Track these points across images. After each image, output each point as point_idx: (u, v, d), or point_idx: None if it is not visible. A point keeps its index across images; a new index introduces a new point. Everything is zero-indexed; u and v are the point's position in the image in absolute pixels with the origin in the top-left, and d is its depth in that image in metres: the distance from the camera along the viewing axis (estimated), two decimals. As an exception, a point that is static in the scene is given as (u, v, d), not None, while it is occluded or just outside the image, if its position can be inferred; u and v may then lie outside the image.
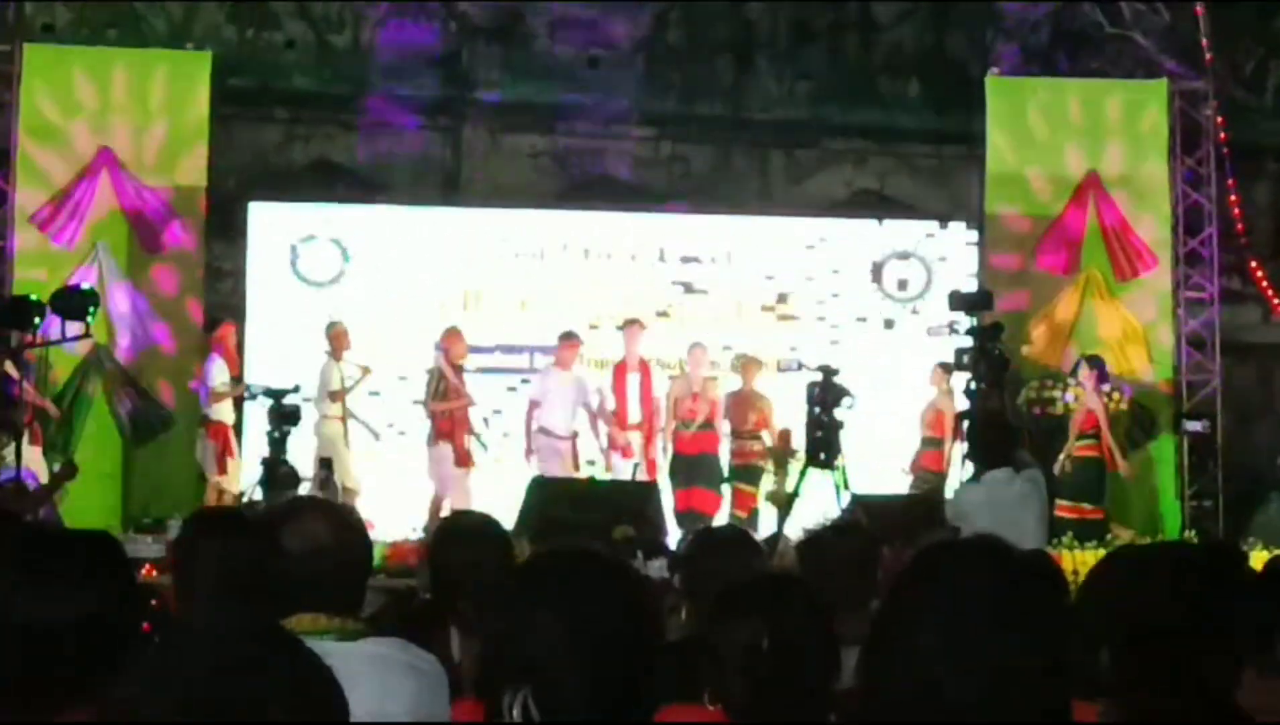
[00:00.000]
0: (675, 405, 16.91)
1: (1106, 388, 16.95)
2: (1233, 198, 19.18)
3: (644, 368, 17.22)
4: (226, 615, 2.54)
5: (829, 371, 14.96)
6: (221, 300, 18.13)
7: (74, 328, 14.15)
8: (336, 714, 2.37)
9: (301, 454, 15.52)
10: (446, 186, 20.40)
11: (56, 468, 14.44)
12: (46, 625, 3.09)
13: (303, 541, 3.75)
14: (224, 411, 16.31)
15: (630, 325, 17.33)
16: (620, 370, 17.21)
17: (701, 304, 18.56)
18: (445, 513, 14.79)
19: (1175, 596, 2.89)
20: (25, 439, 13.71)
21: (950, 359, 16.04)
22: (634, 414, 17.08)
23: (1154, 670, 2.81)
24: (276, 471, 14.87)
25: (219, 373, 16.28)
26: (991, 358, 15.30)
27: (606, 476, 16.83)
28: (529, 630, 2.57)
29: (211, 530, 4.68)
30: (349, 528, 3.85)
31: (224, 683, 2.14)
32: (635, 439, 17.06)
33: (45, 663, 3.09)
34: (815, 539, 5.72)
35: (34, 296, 13.75)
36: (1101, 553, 14.11)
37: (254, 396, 15.92)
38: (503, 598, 2.66)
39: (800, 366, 15.42)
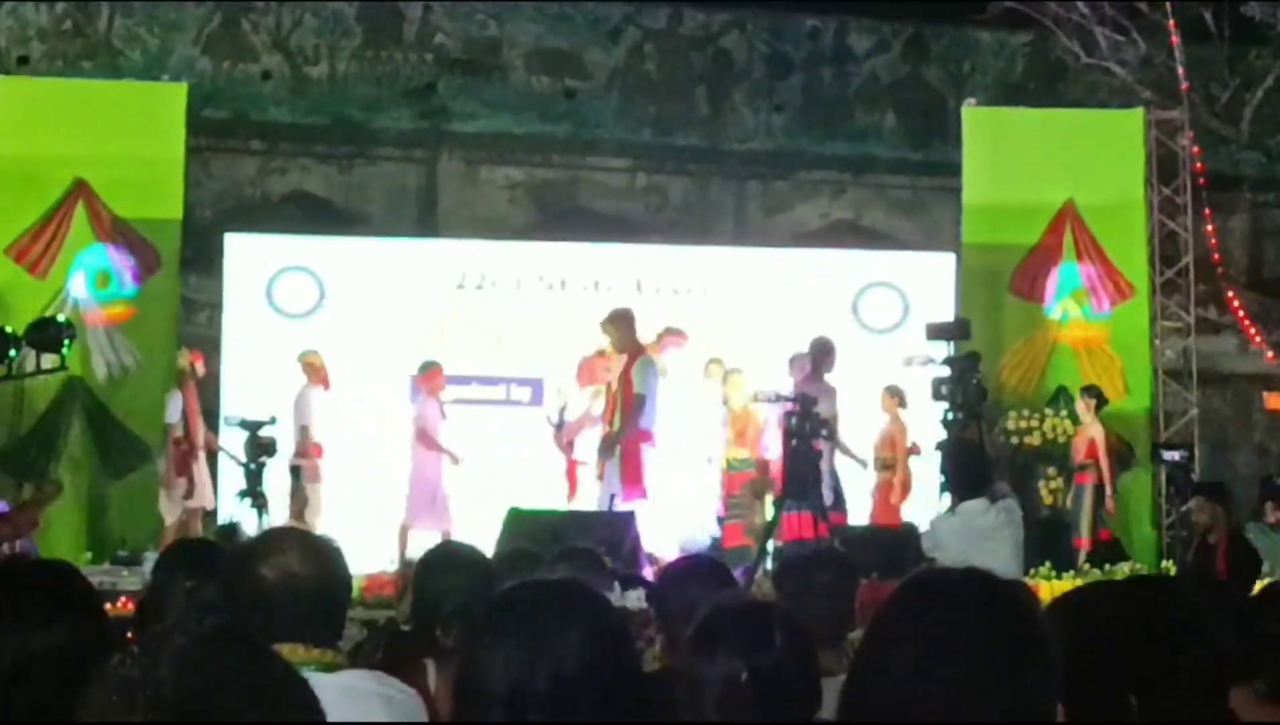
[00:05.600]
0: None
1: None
2: (1209, 227, 19.20)
3: None
4: (203, 626, 2.53)
5: (807, 402, 14.88)
6: (198, 331, 18.07)
7: (49, 360, 14.08)
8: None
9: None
10: (423, 218, 20.40)
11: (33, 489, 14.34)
12: (16, 659, 3.07)
13: (280, 573, 3.73)
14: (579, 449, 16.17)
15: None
16: None
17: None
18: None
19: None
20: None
21: (899, 384, 16.04)
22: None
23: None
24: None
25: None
26: (969, 387, 15.28)
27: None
28: (495, 663, 2.57)
29: (183, 565, 4.69)
30: (326, 560, 3.82)
31: (198, 687, 2.13)
32: None
33: (16, 696, 3.06)
34: (792, 569, 5.69)
35: (8, 328, 13.66)
36: (1079, 582, 14.14)
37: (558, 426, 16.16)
38: (471, 631, 2.66)
39: (778, 397, 15.32)
